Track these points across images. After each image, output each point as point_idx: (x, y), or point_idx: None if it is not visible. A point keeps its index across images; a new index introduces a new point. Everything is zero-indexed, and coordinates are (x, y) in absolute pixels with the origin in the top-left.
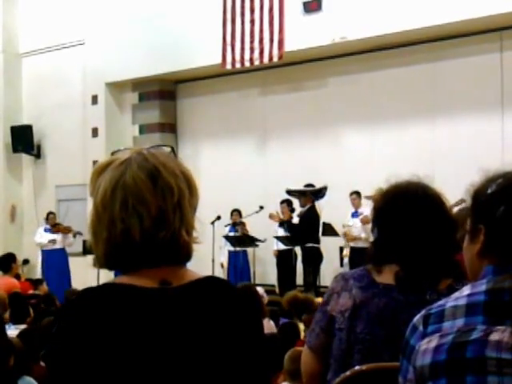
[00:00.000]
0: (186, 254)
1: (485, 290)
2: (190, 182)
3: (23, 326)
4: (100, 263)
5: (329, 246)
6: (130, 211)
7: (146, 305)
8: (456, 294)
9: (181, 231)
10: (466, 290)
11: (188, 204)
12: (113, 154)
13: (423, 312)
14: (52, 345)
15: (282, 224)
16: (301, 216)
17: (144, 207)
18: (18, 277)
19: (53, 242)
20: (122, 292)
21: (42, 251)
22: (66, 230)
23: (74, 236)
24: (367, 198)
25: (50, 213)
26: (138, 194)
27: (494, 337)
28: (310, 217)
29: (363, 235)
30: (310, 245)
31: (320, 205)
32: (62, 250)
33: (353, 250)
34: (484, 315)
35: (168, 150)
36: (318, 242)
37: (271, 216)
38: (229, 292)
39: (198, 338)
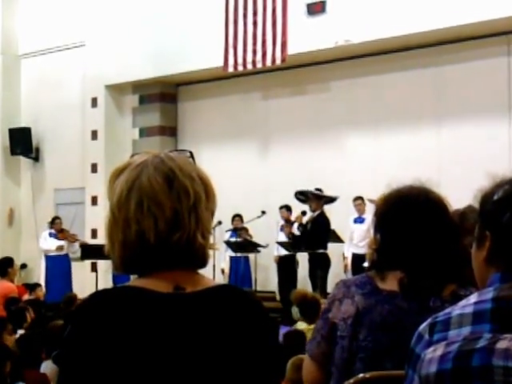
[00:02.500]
0: (202, 259)
1: (492, 297)
2: (208, 187)
3: (20, 332)
4: (117, 267)
5: (332, 252)
6: (144, 213)
7: (159, 310)
8: (463, 302)
9: (196, 234)
10: (473, 298)
11: (204, 208)
12: (131, 157)
13: (429, 320)
14: (64, 347)
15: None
16: (312, 221)
17: (159, 209)
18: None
19: (60, 248)
20: (134, 295)
21: (46, 256)
22: (72, 239)
23: (80, 246)
24: (370, 201)
25: (56, 217)
26: (153, 195)
27: (501, 345)
28: (321, 222)
29: (366, 241)
30: (321, 251)
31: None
32: (66, 255)
33: (355, 256)
34: (491, 323)
35: (187, 154)
36: (326, 247)
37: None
38: (245, 302)
39: (210, 346)
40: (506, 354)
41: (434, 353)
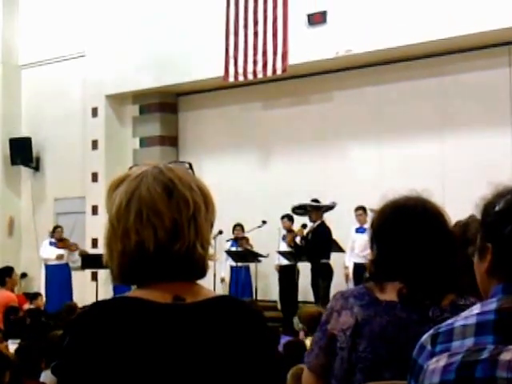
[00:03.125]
0: (201, 269)
1: (495, 308)
2: (207, 198)
3: (12, 341)
4: (115, 277)
5: (333, 262)
6: (144, 223)
7: (158, 321)
8: (465, 313)
9: (196, 245)
10: (476, 309)
11: (204, 218)
12: (130, 169)
13: (431, 331)
14: (63, 358)
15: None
16: (313, 232)
17: (158, 219)
18: None
19: (60, 257)
20: (134, 306)
21: (46, 266)
22: (72, 248)
23: (80, 254)
24: (372, 210)
25: (57, 226)
26: (152, 205)
27: (505, 356)
28: (322, 232)
29: (368, 251)
30: (324, 261)
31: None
32: (66, 265)
33: (356, 265)
34: (494, 334)
35: (186, 165)
36: (329, 257)
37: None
38: (244, 312)
39: (210, 357)
40: (509, 365)
41: (436, 363)
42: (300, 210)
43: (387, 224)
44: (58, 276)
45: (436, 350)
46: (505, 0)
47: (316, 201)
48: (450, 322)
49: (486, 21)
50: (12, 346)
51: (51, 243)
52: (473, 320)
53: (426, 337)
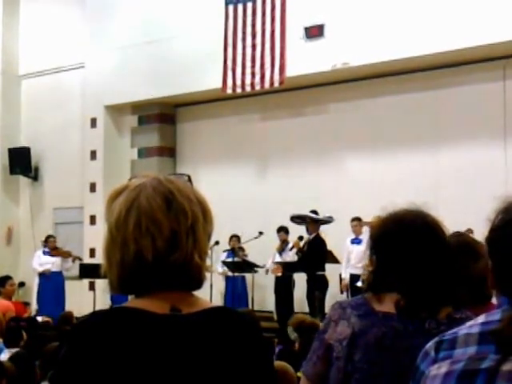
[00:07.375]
0: (198, 280)
1: (499, 319)
2: (205, 209)
3: (16, 350)
4: (113, 287)
5: (329, 274)
6: (143, 232)
7: (155, 331)
8: (470, 322)
9: (193, 255)
10: (481, 319)
11: (202, 229)
12: (129, 180)
13: (436, 338)
14: (60, 367)
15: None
16: (308, 244)
17: (157, 229)
18: None
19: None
20: (132, 317)
21: (40, 274)
22: (65, 254)
23: (74, 261)
24: (366, 223)
25: (50, 236)
26: (151, 214)
27: (506, 367)
28: (318, 244)
29: (363, 263)
30: (320, 272)
31: (323, 231)
32: (59, 273)
33: (352, 276)
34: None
35: (185, 178)
36: (324, 269)
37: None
38: (240, 323)
39: (206, 367)
40: (510, 376)
41: (438, 370)
42: (298, 219)
43: (386, 236)
44: (51, 284)
45: (439, 357)
46: (499, 15)
47: (315, 212)
48: (454, 330)
49: (480, 35)
50: (9, 355)
51: (45, 252)
52: (476, 329)
53: (430, 344)
